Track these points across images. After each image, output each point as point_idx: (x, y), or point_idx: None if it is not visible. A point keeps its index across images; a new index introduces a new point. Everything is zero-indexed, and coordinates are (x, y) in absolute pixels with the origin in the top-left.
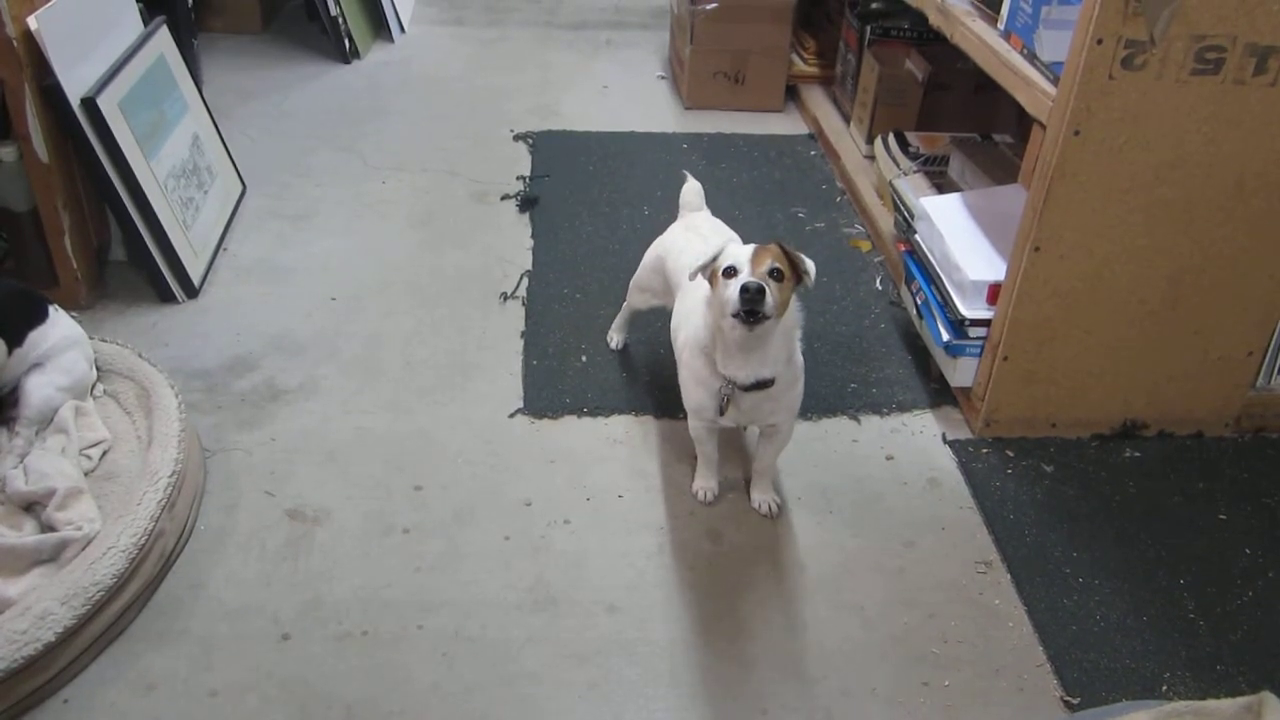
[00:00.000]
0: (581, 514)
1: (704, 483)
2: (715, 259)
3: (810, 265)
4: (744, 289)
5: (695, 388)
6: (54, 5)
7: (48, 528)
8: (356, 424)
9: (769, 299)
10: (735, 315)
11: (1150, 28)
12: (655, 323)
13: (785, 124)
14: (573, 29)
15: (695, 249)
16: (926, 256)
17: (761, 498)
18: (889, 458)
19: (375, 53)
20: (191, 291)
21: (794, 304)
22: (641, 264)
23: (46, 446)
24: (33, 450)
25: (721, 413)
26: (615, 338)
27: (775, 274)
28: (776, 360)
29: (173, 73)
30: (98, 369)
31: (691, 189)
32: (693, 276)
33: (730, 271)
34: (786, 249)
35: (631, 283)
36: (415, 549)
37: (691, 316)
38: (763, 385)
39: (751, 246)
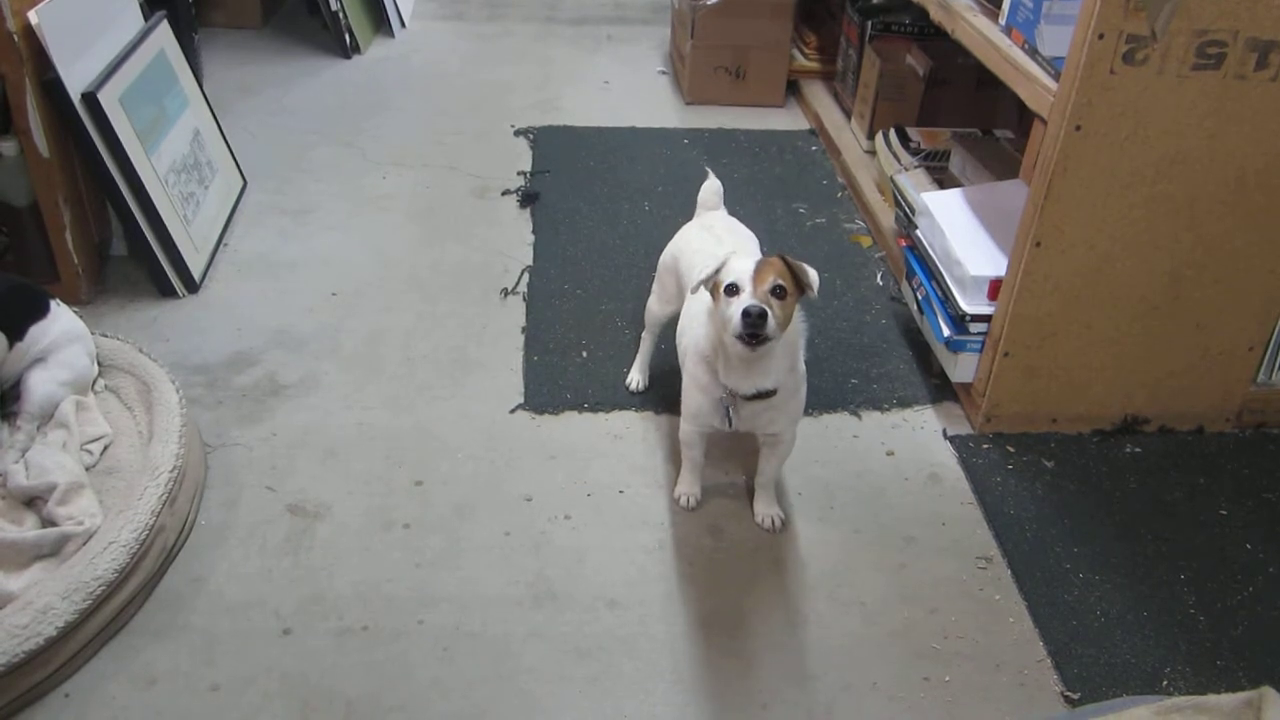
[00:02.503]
0: (582, 510)
1: (687, 488)
2: (717, 272)
3: (814, 276)
4: (746, 313)
5: (696, 394)
6: (55, 0)
7: (49, 522)
8: (357, 419)
9: (771, 321)
10: (738, 337)
11: (1151, 22)
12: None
13: (786, 119)
14: (574, 24)
15: (709, 249)
16: (927, 252)
17: (765, 512)
18: (890, 453)
19: (376, 48)
20: (192, 286)
21: (798, 315)
22: (657, 271)
23: (48, 441)
24: (34, 445)
25: (730, 425)
26: (636, 378)
27: (778, 291)
28: (779, 371)
29: (173, 68)
30: (99, 364)
31: (710, 188)
32: (694, 290)
33: (732, 289)
34: (789, 261)
35: (649, 301)
36: (416, 544)
37: (696, 321)
38: (764, 395)
39: (754, 261)
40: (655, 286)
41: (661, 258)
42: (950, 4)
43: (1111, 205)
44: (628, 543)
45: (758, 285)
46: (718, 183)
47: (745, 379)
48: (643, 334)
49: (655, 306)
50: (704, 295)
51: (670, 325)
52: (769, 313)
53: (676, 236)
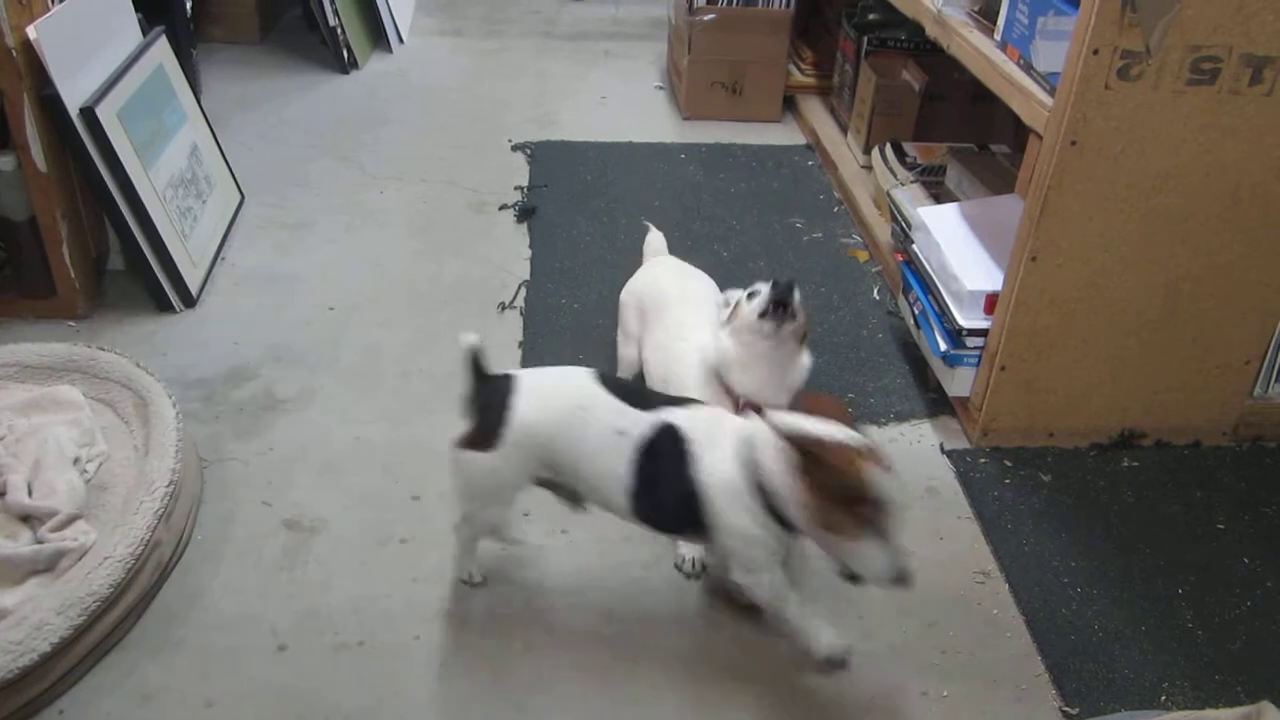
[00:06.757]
0: (579, 524)
1: (689, 549)
2: (737, 302)
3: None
4: (775, 283)
5: None
6: (53, 15)
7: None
8: (354, 434)
9: (796, 295)
10: (763, 315)
11: (1146, 38)
12: None
13: (783, 134)
14: (571, 40)
15: (671, 278)
16: (924, 266)
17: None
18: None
19: (374, 63)
20: (189, 301)
21: (806, 357)
22: (620, 318)
23: (63, 449)
24: (46, 455)
25: None
26: None
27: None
28: (791, 389)
29: (171, 82)
30: (95, 377)
31: (654, 238)
32: (726, 320)
33: (753, 294)
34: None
35: (620, 349)
36: (413, 559)
37: (678, 359)
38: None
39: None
40: (620, 334)
41: (622, 300)
42: (946, 20)
43: (1107, 220)
44: (625, 557)
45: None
46: (660, 235)
47: (765, 384)
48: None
49: (625, 349)
50: (681, 332)
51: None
52: (795, 288)
53: (630, 283)
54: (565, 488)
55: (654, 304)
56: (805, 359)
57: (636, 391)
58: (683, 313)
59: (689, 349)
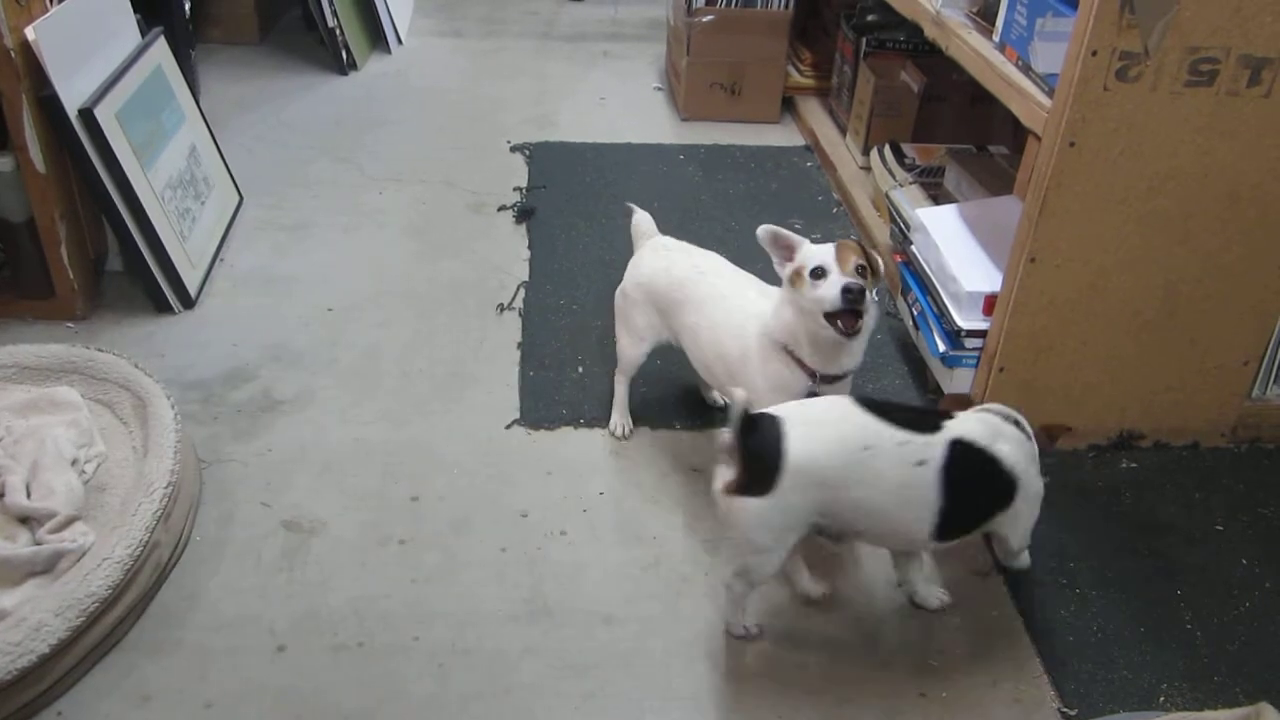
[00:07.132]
0: (578, 525)
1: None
2: (802, 260)
3: (881, 262)
4: (847, 289)
5: (777, 397)
6: (52, 16)
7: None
8: (353, 434)
9: (868, 298)
10: (835, 315)
11: (1144, 39)
12: None
13: (781, 135)
14: (570, 40)
15: (682, 259)
16: (922, 268)
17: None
18: None
19: (373, 64)
20: (188, 302)
21: (873, 306)
22: (621, 314)
23: (60, 449)
24: (44, 455)
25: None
26: (621, 424)
27: (861, 270)
28: (862, 350)
29: (170, 83)
30: (94, 378)
31: (642, 218)
32: (789, 279)
33: (818, 272)
34: (863, 245)
35: (621, 345)
36: (412, 560)
37: (735, 325)
38: (846, 374)
39: (832, 245)
40: (621, 327)
41: (623, 293)
42: (945, 21)
43: (1106, 221)
44: (623, 558)
45: (843, 266)
46: (645, 214)
47: (834, 360)
48: (615, 377)
49: (630, 348)
50: (735, 295)
51: (643, 366)
52: (866, 289)
53: (631, 271)
54: (832, 530)
55: (676, 289)
56: (872, 308)
57: (901, 411)
58: (718, 286)
59: (745, 322)
